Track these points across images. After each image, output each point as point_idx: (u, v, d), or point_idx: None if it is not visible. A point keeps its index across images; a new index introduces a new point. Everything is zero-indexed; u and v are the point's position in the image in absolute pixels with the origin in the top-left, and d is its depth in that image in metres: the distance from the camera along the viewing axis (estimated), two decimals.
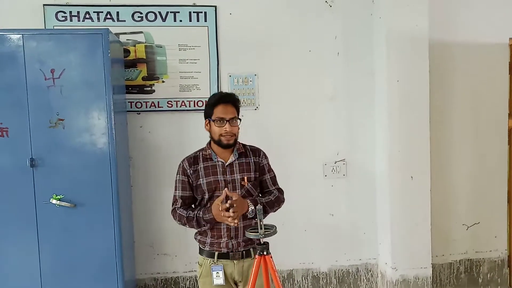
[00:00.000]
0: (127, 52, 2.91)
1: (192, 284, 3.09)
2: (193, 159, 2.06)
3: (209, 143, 2.09)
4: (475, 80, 3.21)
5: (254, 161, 2.09)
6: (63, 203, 2.45)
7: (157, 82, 2.97)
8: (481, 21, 3.17)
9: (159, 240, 3.05)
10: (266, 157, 2.15)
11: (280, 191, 2.17)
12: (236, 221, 1.89)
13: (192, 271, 3.08)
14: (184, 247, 3.06)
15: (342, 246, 3.20)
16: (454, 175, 3.24)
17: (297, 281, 3.18)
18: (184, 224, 2.03)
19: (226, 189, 1.95)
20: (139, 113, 2.98)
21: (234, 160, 2.05)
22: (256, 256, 1.89)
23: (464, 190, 3.27)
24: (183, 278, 3.08)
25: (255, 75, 3.04)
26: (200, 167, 2.03)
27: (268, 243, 1.88)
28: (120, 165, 2.57)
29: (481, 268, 3.33)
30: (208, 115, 2.03)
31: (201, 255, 2.09)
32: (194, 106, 2.99)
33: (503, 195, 3.33)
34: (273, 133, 3.05)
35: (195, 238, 2.11)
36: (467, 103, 3.21)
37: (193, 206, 2.10)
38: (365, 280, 3.24)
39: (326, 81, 3.10)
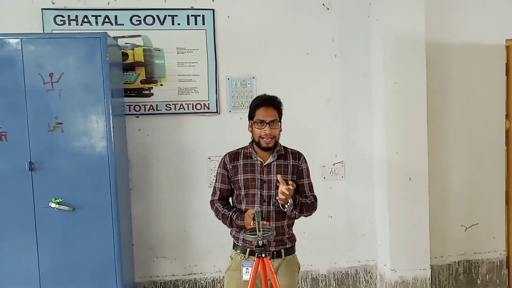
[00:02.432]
0: (125, 55, 2.92)
1: (191, 287, 3.09)
2: (235, 155, 2.15)
3: (251, 142, 2.16)
4: (472, 82, 3.22)
5: (293, 164, 2.13)
6: (62, 207, 2.45)
7: (155, 85, 2.97)
8: (478, 23, 3.19)
9: (158, 243, 3.05)
10: (305, 162, 2.19)
11: (315, 198, 2.21)
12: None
13: (192, 273, 3.08)
14: (183, 250, 3.06)
15: (341, 248, 3.21)
16: (452, 176, 3.25)
17: None
18: (219, 219, 2.13)
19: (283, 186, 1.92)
20: (138, 117, 2.98)
21: (273, 161, 2.11)
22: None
23: (462, 191, 3.28)
24: (182, 281, 3.08)
25: (253, 77, 3.05)
26: (240, 164, 2.11)
27: (267, 245, 1.89)
28: (118, 168, 2.57)
29: (479, 269, 3.34)
30: (250, 117, 2.11)
31: (234, 249, 2.15)
32: (193, 109, 3.00)
33: (501, 196, 3.34)
34: None
35: (231, 234, 2.17)
36: (465, 104, 3.23)
37: (230, 200, 2.20)
38: (364, 282, 3.24)
39: (323, 83, 3.11)
